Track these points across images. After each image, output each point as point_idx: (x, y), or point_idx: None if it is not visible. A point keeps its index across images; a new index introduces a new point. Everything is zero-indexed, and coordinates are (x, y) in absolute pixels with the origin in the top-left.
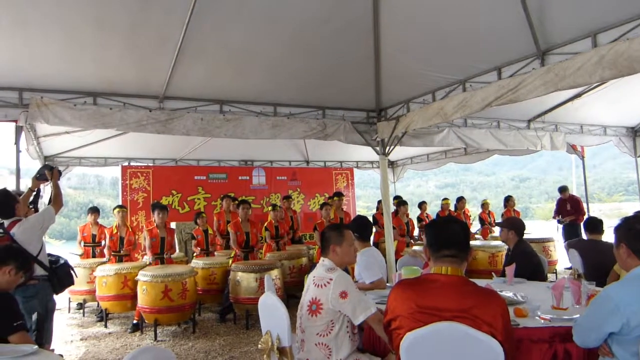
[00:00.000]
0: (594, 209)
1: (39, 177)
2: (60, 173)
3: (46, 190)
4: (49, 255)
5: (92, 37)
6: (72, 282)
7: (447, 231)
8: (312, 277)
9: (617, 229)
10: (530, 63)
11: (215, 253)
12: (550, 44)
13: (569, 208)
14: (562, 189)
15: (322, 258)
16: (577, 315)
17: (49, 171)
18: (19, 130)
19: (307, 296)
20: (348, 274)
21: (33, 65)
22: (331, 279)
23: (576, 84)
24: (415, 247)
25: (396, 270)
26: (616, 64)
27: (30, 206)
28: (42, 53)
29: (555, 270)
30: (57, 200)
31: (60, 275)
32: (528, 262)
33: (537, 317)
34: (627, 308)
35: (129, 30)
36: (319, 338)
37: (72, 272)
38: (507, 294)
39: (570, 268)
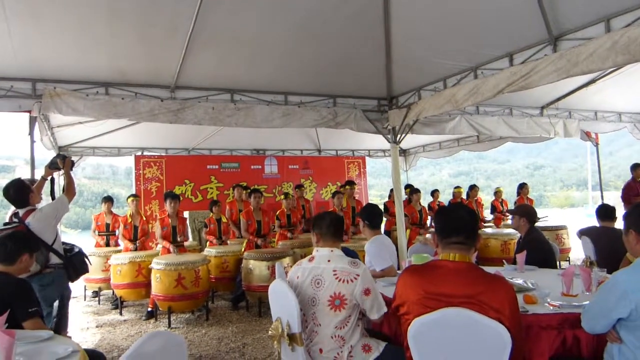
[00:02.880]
0: (609, 197)
1: (52, 166)
2: (73, 163)
3: (61, 179)
4: (64, 243)
5: (103, 27)
6: (86, 270)
7: (455, 218)
8: (330, 269)
9: (627, 216)
10: (542, 49)
11: (229, 242)
12: (562, 29)
13: None
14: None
15: (330, 248)
16: (587, 302)
17: (62, 160)
18: (32, 121)
19: (326, 291)
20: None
21: (46, 56)
22: (358, 275)
23: (589, 70)
24: (428, 235)
25: (407, 257)
26: (629, 49)
27: (43, 196)
28: (55, 44)
29: (569, 258)
30: (69, 189)
31: (75, 263)
32: (539, 249)
33: (546, 304)
34: (635, 294)
35: (140, 21)
36: (337, 331)
37: (86, 260)
38: (518, 281)
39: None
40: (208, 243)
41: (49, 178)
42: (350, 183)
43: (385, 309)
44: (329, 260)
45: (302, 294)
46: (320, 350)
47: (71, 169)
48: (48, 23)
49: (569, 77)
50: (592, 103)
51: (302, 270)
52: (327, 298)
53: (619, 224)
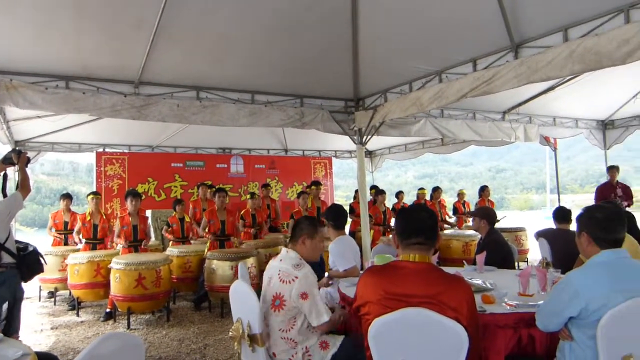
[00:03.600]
0: (566, 200)
1: (5, 161)
2: (29, 159)
3: (16, 175)
4: (18, 242)
5: (65, 19)
6: (41, 270)
7: (415, 219)
8: (277, 269)
9: (579, 218)
10: (504, 55)
11: (192, 241)
12: (523, 37)
13: (620, 194)
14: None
15: (285, 249)
16: (542, 302)
17: (17, 155)
18: None
19: (270, 289)
20: (323, 262)
21: (2, 47)
22: (296, 277)
23: (547, 77)
24: (391, 236)
25: (371, 258)
26: (585, 59)
27: None
28: (12, 34)
29: (527, 258)
30: (24, 185)
31: (29, 262)
32: (498, 250)
33: (503, 304)
34: (586, 293)
35: (104, 13)
36: (282, 333)
37: (41, 259)
38: (477, 281)
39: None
40: (171, 243)
41: (2, 174)
42: (317, 183)
43: (325, 319)
44: (281, 260)
45: (263, 291)
46: (274, 354)
47: (27, 165)
48: (5, 12)
49: (529, 83)
50: (551, 109)
51: (268, 269)
52: (270, 297)
53: (574, 226)
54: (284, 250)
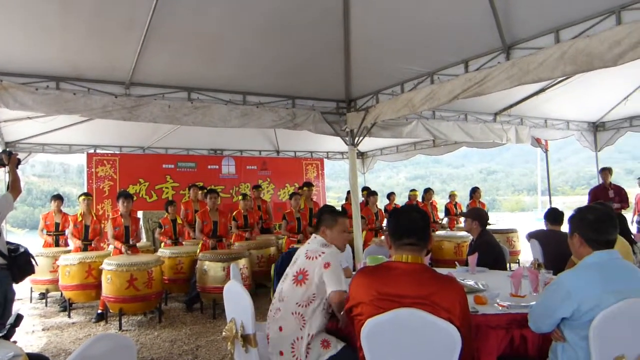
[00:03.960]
0: (557, 202)
1: None
2: (19, 160)
3: (6, 176)
4: (9, 243)
5: (55, 19)
6: (32, 271)
7: (407, 220)
8: (304, 250)
9: (571, 219)
10: (496, 57)
11: (184, 242)
12: (515, 38)
13: (612, 195)
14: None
15: (314, 234)
16: (534, 302)
17: (7, 156)
18: None
19: (294, 267)
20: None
21: None
22: (323, 252)
23: (539, 79)
24: (383, 237)
25: (363, 259)
26: (576, 60)
27: None
28: (2, 35)
29: (518, 260)
30: (14, 186)
31: (19, 263)
32: (490, 251)
33: (495, 305)
34: (578, 294)
35: (95, 13)
36: (298, 308)
37: (32, 260)
38: (469, 282)
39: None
40: (162, 244)
41: None
42: (308, 184)
43: (343, 288)
44: (309, 243)
45: (287, 272)
46: (281, 328)
47: (17, 167)
48: None
49: (521, 85)
50: (543, 111)
51: (295, 255)
52: (293, 273)
53: (565, 227)
54: (312, 236)
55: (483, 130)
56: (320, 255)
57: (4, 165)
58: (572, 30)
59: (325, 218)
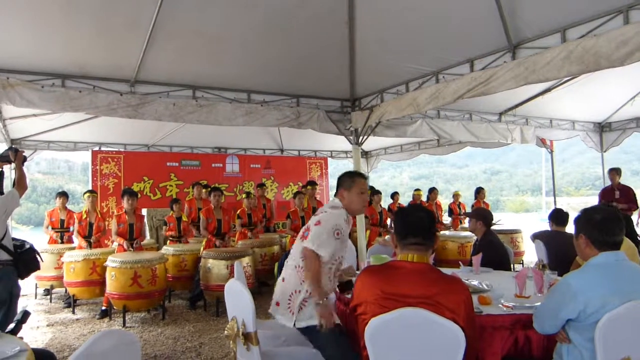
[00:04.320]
0: (562, 203)
1: (1, 159)
2: (25, 158)
3: (12, 173)
4: (14, 239)
5: (61, 17)
6: (37, 267)
7: (414, 219)
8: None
9: (577, 220)
10: (501, 56)
11: (188, 240)
12: (521, 38)
13: (617, 196)
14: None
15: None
16: (539, 303)
17: (14, 153)
18: None
19: (305, 227)
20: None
21: None
22: (325, 212)
23: (545, 78)
24: (387, 237)
25: (366, 258)
26: (583, 60)
27: None
28: (9, 33)
29: (522, 260)
30: (20, 183)
31: (25, 260)
32: (494, 252)
33: (500, 305)
34: (584, 295)
35: (100, 12)
36: (300, 261)
37: (37, 256)
38: (473, 282)
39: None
40: (168, 242)
41: None
42: (312, 183)
43: (314, 247)
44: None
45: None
46: (283, 280)
47: (23, 163)
48: (2, 11)
49: (527, 85)
50: (548, 111)
51: None
52: (303, 231)
53: (569, 228)
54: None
55: (488, 130)
56: (321, 213)
57: (10, 162)
58: (578, 29)
59: (343, 180)
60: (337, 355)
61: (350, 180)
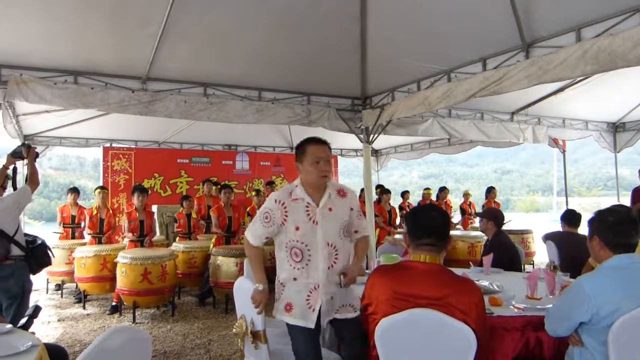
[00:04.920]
0: (573, 203)
1: (14, 155)
2: (37, 154)
3: (24, 169)
4: (26, 235)
5: (74, 14)
6: (49, 263)
7: (428, 219)
8: None
9: (591, 222)
10: (515, 55)
11: (198, 237)
12: (535, 36)
13: None
14: None
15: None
16: (550, 305)
17: (26, 149)
18: None
19: None
20: None
21: (13, 42)
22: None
23: (559, 78)
24: (397, 236)
25: (376, 257)
26: (598, 59)
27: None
28: (23, 30)
29: (533, 261)
30: (33, 179)
31: (37, 255)
32: (505, 252)
33: (511, 307)
34: (597, 298)
35: (113, 9)
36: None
37: (49, 252)
38: (484, 283)
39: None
40: (178, 238)
41: (11, 167)
42: None
43: (250, 238)
44: None
45: None
46: None
47: (35, 159)
48: (15, 8)
49: (540, 84)
50: (561, 110)
51: None
52: None
53: (582, 229)
54: None
55: (499, 130)
56: None
57: (22, 159)
58: (594, 28)
59: (296, 151)
60: (299, 351)
61: (301, 150)
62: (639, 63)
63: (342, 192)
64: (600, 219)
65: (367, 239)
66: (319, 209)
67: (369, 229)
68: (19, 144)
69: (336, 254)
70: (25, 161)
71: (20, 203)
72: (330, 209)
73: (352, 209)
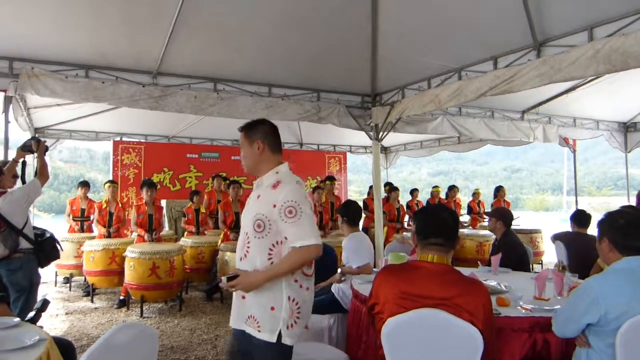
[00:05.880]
0: (583, 203)
1: (24, 149)
2: (47, 147)
3: (34, 162)
4: (35, 228)
5: (85, 8)
6: (57, 256)
7: (437, 219)
8: None
9: (600, 224)
10: (526, 54)
11: (206, 232)
12: (547, 35)
13: None
14: None
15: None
16: (558, 306)
17: (36, 143)
18: (8, 101)
19: None
20: (335, 258)
21: (25, 35)
22: None
23: (571, 77)
24: (405, 234)
25: (384, 256)
26: (610, 59)
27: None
28: (34, 23)
29: (542, 261)
30: (42, 172)
31: (45, 248)
32: (514, 252)
33: (518, 307)
34: (606, 300)
35: (125, 3)
36: None
37: (58, 245)
38: (491, 282)
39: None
40: (186, 233)
41: (21, 161)
42: (331, 178)
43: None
44: None
45: None
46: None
47: (45, 153)
48: (28, 2)
49: (551, 83)
50: (572, 110)
51: None
52: None
53: (591, 230)
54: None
55: (510, 128)
56: None
57: (32, 152)
58: (606, 28)
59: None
60: None
61: (244, 134)
62: None
63: (276, 184)
64: (610, 220)
65: (300, 252)
66: (250, 194)
67: (311, 240)
68: (30, 137)
69: (248, 247)
70: (35, 155)
71: (30, 196)
72: (258, 196)
73: (274, 206)
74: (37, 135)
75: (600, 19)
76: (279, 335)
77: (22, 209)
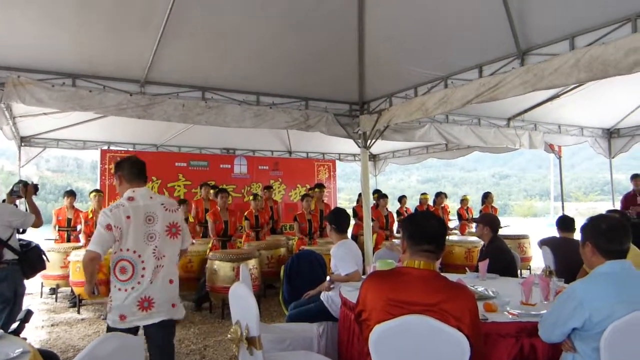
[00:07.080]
0: (570, 208)
1: (12, 194)
2: (36, 188)
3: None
4: (20, 239)
5: (72, 16)
6: (43, 267)
7: (428, 226)
8: (159, 204)
9: (583, 228)
10: (510, 62)
11: (194, 241)
12: (530, 44)
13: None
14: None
15: (146, 188)
16: (544, 311)
17: (23, 187)
18: None
19: (160, 223)
20: (324, 265)
21: (10, 43)
22: (179, 207)
23: (553, 85)
24: (394, 241)
25: (372, 263)
26: (591, 67)
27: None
28: (20, 31)
29: (529, 266)
30: (36, 214)
31: (31, 259)
32: (501, 258)
33: (505, 312)
34: (590, 304)
35: (112, 11)
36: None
37: (43, 256)
38: (479, 288)
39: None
40: None
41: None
42: (320, 186)
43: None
44: (151, 198)
45: (134, 233)
46: (171, 281)
47: (36, 193)
48: (13, 8)
49: (535, 91)
50: (556, 117)
51: (131, 210)
52: (164, 229)
53: (578, 235)
54: (144, 190)
55: (496, 135)
56: (178, 209)
57: (20, 197)
58: (587, 37)
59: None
60: None
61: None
62: (630, 71)
63: None
64: (593, 225)
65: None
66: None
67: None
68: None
69: None
70: (24, 199)
71: (14, 223)
72: None
73: None
74: (22, 180)
75: (581, 28)
76: None
77: (5, 222)
